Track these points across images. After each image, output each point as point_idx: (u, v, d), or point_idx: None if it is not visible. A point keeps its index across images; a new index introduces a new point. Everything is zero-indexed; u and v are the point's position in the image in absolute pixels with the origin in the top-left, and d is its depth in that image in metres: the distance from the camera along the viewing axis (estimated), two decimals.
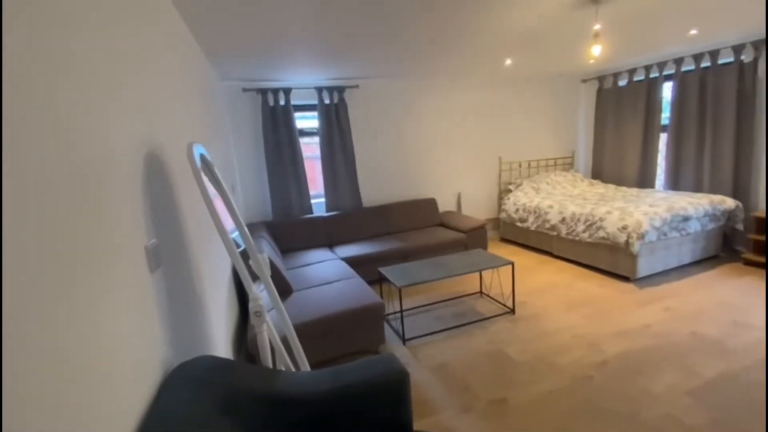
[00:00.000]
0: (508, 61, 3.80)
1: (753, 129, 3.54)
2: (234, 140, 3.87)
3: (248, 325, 2.19)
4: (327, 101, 4.03)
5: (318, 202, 4.25)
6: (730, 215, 3.60)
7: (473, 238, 4.06)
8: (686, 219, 3.36)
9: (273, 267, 2.38)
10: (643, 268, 3.28)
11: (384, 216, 4.25)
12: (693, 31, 3.19)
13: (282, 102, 3.87)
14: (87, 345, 0.71)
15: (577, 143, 5.50)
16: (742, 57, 3.52)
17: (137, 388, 0.89)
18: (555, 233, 4.01)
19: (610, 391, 1.97)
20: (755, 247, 3.49)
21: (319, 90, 3.96)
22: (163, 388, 0.96)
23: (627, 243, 3.22)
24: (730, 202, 3.57)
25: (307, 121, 4.26)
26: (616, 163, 4.91)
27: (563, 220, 3.90)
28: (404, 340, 2.60)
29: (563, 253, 3.99)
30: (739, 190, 3.69)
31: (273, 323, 1.82)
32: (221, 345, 1.78)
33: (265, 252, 2.47)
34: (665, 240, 3.33)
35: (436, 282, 3.50)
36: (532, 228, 4.32)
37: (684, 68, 4.00)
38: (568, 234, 3.84)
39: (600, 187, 4.70)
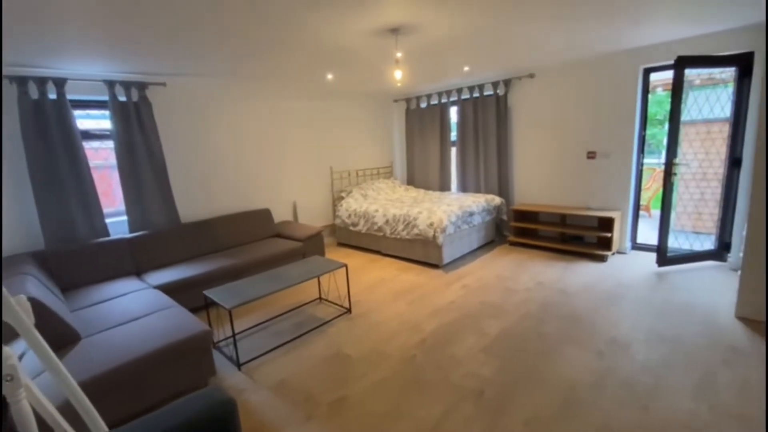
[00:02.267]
0: (330, 76, 4.01)
1: (507, 144, 4.81)
2: None
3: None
4: (123, 98, 3.35)
5: (117, 221, 3.48)
6: (498, 209, 4.78)
7: (311, 245, 4.10)
8: (472, 214, 4.29)
9: (43, 311, 1.81)
10: (447, 255, 4.00)
11: (209, 232, 3.82)
12: (466, 68, 4.10)
13: (52, 95, 3.01)
14: None
15: (394, 154, 6.27)
16: (498, 91, 4.74)
17: None
18: (381, 234, 4.45)
19: (428, 363, 2.31)
20: (516, 232, 4.73)
21: (111, 84, 3.26)
22: None
23: (434, 236, 3.86)
24: (498, 200, 4.75)
25: (94, 120, 3.44)
26: (423, 172, 5.84)
27: (387, 221, 4.37)
28: (239, 365, 2.39)
29: (389, 250, 4.47)
30: (503, 190, 4.95)
31: (45, 387, 1.39)
32: None
33: (28, 292, 1.85)
34: (459, 231, 4.15)
35: (274, 296, 3.36)
36: (363, 231, 4.68)
37: (463, 96, 5.10)
38: (391, 233, 4.33)
39: (413, 192, 5.49)
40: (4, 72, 2.81)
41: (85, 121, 3.39)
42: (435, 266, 4.04)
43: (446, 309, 3.05)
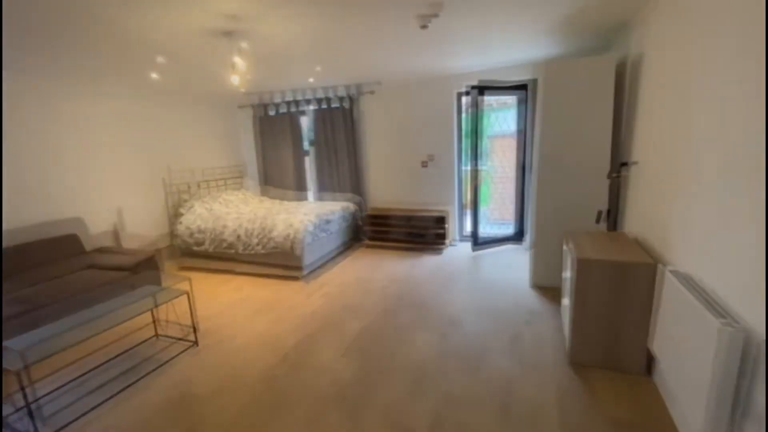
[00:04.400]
0: (154, 75, 3.49)
1: (358, 152, 5.08)
2: None
3: None
4: None
5: None
6: (353, 215, 5.00)
7: (144, 270, 3.44)
8: (329, 222, 4.37)
9: None
10: (306, 265, 3.96)
11: None
12: (311, 80, 4.16)
13: None
14: None
15: (246, 163, 5.87)
16: (344, 104, 4.97)
17: None
18: (233, 251, 4.10)
19: (291, 380, 2.23)
20: (371, 235, 5.03)
21: None
22: None
23: (292, 248, 3.77)
24: (352, 207, 4.97)
25: None
26: (278, 181, 5.65)
27: (239, 237, 4.05)
28: None
29: (243, 268, 4.15)
30: (357, 195, 5.20)
31: None
32: None
33: None
34: (318, 240, 4.17)
35: (92, 342, 2.68)
36: (211, 250, 4.22)
37: (312, 107, 5.16)
38: (245, 249, 4.03)
39: (267, 203, 5.25)
40: None
41: None
42: (295, 278, 3.95)
43: (309, 320, 3.01)
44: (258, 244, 3.95)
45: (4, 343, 2.01)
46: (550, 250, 3.24)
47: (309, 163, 5.47)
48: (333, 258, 4.60)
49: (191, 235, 4.30)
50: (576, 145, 3.00)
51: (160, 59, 2.95)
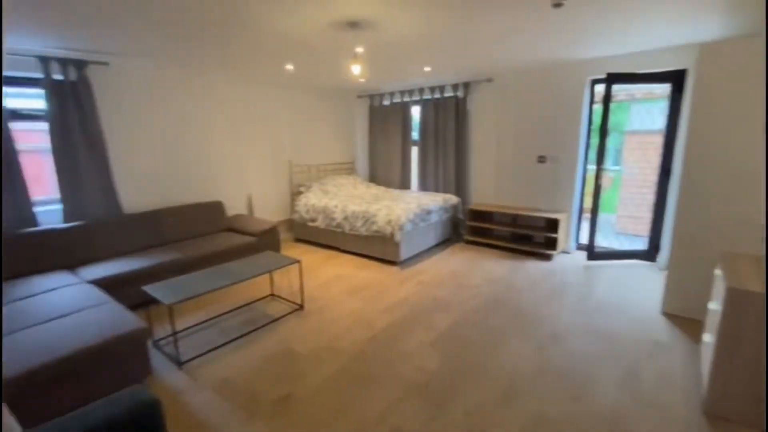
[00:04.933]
0: (289, 66, 3.92)
1: (465, 146, 4.93)
2: None
3: None
4: (59, 77, 3.08)
5: (48, 210, 3.20)
6: (455, 208, 4.90)
7: (265, 240, 3.98)
8: (429, 212, 4.36)
9: None
10: (404, 252, 4.04)
11: (155, 224, 3.61)
12: (427, 68, 4.15)
13: None
14: None
15: (357, 151, 6.25)
16: (458, 93, 4.84)
17: None
18: (340, 230, 4.42)
19: (377, 359, 2.33)
20: (471, 231, 4.87)
21: (44, 60, 2.99)
22: None
23: (392, 234, 3.89)
24: (455, 199, 4.87)
25: (25, 100, 3.14)
26: (385, 169, 5.86)
27: (346, 218, 4.35)
28: (180, 364, 2.28)
29: (348, 247, 4.45)
30: (460, 190, 5.07)
31: None
32: None
33: None
34: (417, 229, 4.21)
35: (223, 292, 3.25)
36: (322, 227, 4.63)
37: (425, 97, 5.17)
38: (350, 230, 4.31)
39: (374, 189, 5.50)
40: None
41: (15, 100, 3.08)
42: (392, 263, 4.07)
43: (400, 305, 3.08)
44: (362, 227, 4.18)
45: (154, 285, 2.54)
46: (694, 273, 2.66)
47: (415, 153, 5.52)
48: (430, 249, 4.59)
49: (307, 211, 4.78)
50: (736, 146, 2.38)
51: (295, 51, 3.29)
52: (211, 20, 2.46)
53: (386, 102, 5.66)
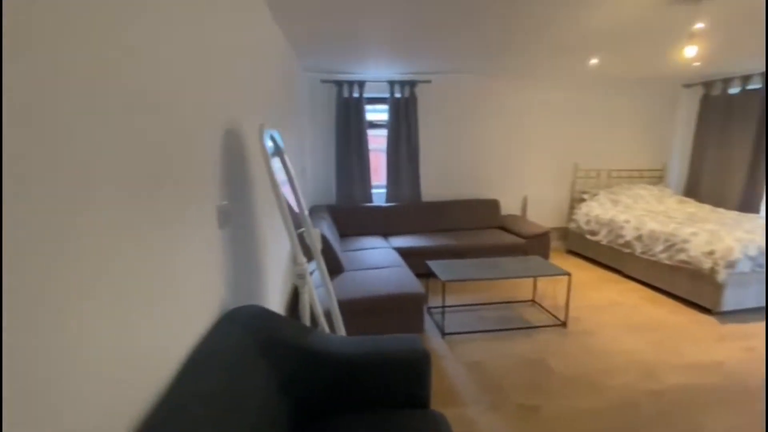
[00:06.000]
0: (594, 61, 3.54)
1: None
2: (310, 127, 4.18)
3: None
4: (398, 95, 4.15)
5: (378, 192, 4.41)
6: None
7: (534, 245, 3.89)
8: None
9: (326, 244, 2.57)
10: (730, 300, 2.87)
11: (441, 212, 4.27)
12: None
13: (355, 94, 4.08)
14: (170, 278, 0.90)
15: (670, 156, 4.92)
16: None
17: (200, 321, 1.09)
18: (628, 250, 3.67)
19: (658, 422, 1.81)
20: None
21: (391, 84, 4.09)
22: (216, 325, 1.15)
23: (712, 270, 2.84)
24: None
25: (377, 114, 4.42)
26: (716, 182, 4.30)
27: (639, 237, 3.55)
28: (443, 334, 2.63)
29: (635, 273, 3.64)
30: None
31: (319, 295, 1.99)
32: (274, 305, 2.00)
33: (321, 229, 2.67)
34: (757, 273, 2.87)
35: (485, 283, 3.45)
36: (603, 242, 4.00)
37: None
38: (643, 253, 3.49)
39: (691, 206, 4.16)
40: (329, 77, 4.03)
41: (371, 114, 4.41)
42: (705, 309, 3.00)
43: (708, 368, 2.24)
44: (662, 252, 3.29)
45: (435, 262, 2.97)
46: None
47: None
48: None
49: (587, 222, 4.26)
50: None
51: (609, 39, 2.94)
52: (518, 29, 2.58)
53: (733, 90, 4.11)
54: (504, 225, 4.33)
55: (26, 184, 0.53)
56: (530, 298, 3.24)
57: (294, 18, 2.33)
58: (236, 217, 1.43)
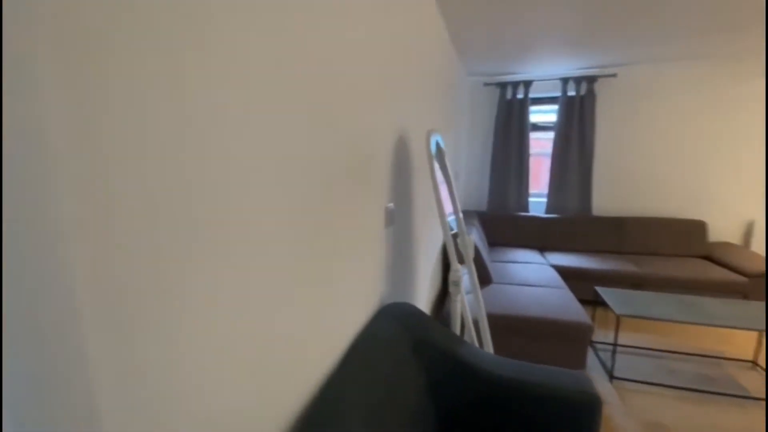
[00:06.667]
0: None
1: None
2: (466, 132, 4.13)
3: (446, 298, 2.38)
4: (571, 93, 3.68)
5: (536, 202, 4.02)
6: None
7: (760, 287, 2.87)
8: None
9: (476, 252, 2.48)
10: None
11: (619, 230, 3.58)
12: None
13: (520, 95, 3.82)
14: (348, 270, 1.00)
15: None
16: None
17: (364, 310, 1.18)
18: None
19: None
20: None
21: (565, 81, 3.66)
22: (374, 317, 1.22)
23: None
24: None
25: (543, 115, 4.03)
26: None
27: None
28: (611, 377, 2.19)
29: None
30: None
31: (468, 304, 1.92)
32: (421, 303, 2.04)
33: (472, 237, 2.59)
34: None
35: (672, 326, 2.72)
36: None
37: None
38: None
39: None
40: (492, 80, 3.86)
41: (535, 115, 4.05)
42: None
43: None
44: None
45: (607, 290, 2.48)
46: None
47: None
48: None
49: None
50: None
51: None
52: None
53: None
54: (712, 255, 3.34)
55: (229, 188, 0.59)
56: (749, 357, 2.39)
57: (463, 17, 2.32)
58: (398, 217, 1.51)
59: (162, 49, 0.45)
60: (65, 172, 0.36)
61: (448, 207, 1.69)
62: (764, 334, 2.22)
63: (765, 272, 2.85)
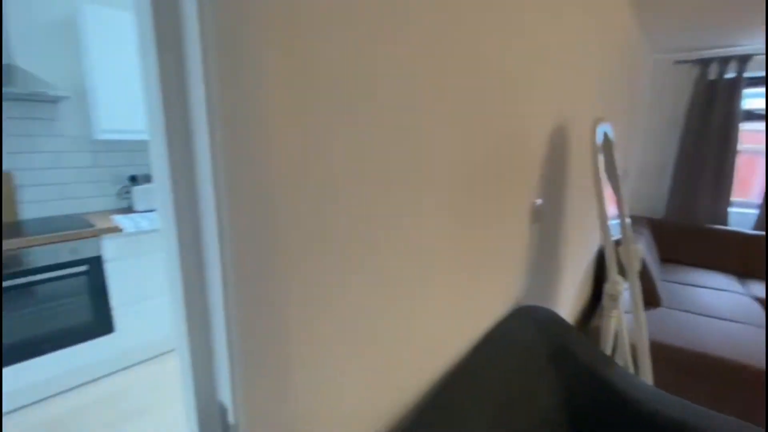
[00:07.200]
0: None
1: None
2: (644, 121, 3.44)
3: (596, 312, 2.10)
4: None
5: (740, 212, 3.10)
6: None
7: None
8: None
9: (643, 265, 2.08)
10: None
11: None
12: None
13: (730, 73, 2.96)
14: (489, 262, 1.00)
15: None
16: None
17: (497, 306, 1.15)
18: None
19: None
20: None
21: None
22: (509, 315, 1.17)
23: None
24: None
25: (760, 100, 3.04)
26: None
27: None
28: None
29: None
30: None
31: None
32: (563, 311, 1.85)
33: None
34: None
35: None
36: None
37: None
38: None
39: None
40: (688, 57, 3.09)
41: (752, 100, 3.07)
42: None
43: None
44: None
45: None
46: None
47: None
48: None
49: None
50: None
51: None
52: None
53: None
54: None
55: (389, 185, 0.68)
56: None
57: None
58: (546, 215, 1.39)
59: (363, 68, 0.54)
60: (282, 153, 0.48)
61: (611, 209, 1.47)
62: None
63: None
